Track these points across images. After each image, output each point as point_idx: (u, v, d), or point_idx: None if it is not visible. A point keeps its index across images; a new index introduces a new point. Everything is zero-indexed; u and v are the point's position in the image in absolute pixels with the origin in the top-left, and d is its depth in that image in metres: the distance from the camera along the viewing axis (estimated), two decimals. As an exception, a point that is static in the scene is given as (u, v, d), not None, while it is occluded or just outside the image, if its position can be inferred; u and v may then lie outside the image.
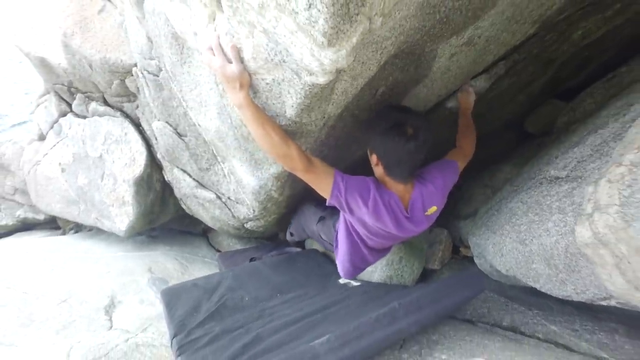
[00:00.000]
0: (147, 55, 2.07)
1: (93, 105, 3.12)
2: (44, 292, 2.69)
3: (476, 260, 2.22)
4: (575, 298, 1.60)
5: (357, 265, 2.13)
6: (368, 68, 1.12)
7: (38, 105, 3.64)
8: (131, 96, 2.86)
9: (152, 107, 2.45)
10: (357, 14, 0.78)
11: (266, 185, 1.83)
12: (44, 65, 2.98)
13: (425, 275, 2.91)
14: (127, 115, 3.01)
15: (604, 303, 1.54)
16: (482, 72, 1.86)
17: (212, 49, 1.16)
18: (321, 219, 2.28)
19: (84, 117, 3.26)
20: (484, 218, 2.05)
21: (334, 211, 2.13)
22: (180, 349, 2.03)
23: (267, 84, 1.13)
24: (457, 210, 3.06)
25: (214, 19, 1.15)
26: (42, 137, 3.69)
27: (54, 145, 3.52)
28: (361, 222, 1.62)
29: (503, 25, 1.48)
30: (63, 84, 3.17)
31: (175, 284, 2.60)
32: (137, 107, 2.88)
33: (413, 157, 1.43)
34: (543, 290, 1.70)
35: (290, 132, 1.30)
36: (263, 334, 2.01)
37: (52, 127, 3.55)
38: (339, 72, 0.93)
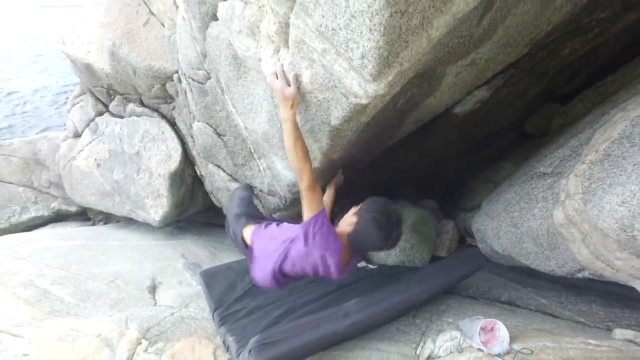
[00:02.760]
0: (195, 66, 2.51)
1: (131, 106, 3.58)
2: (93, 274, 3.16)
3: (479, 245, 2.67)
4: (558, 272, 2.05)
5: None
6: (394, 89, 1.56)
7: (74, 105, 4.09)
8: (168, 98, 3.32)
9: (193, 109, 2.89)
10: (394, 62, 1.22)
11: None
12: (87, 70, 3.43)
13: (434, 262, 3.37)
14: (163, 116, 3.47)
15: (579, 275, 1.99)
16: (483, 84, 2.31)
17: (275, 74, 1.61)
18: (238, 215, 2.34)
19: (121, 117, 3.72)
20: (485, 207, 2.51)
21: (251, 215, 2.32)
22: (222, 320, 2.48)
23: (319, 100, 1.58)
24: (463, 203, 3.51)
25: (278, 52, 1.60)
26: (77, 135, 4.14)
27: (90, 142, 3.98)
28: (298, 254, 1.73)
29: (499, 49, 1.93)
30: (102, 87, 3.63)
31: (212, 267, 3.08)
32: (174, 108, 3.34)
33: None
34: (533, 266, 2.16)
35: (331, 136, 1.76)
36: (294, 307, 2.47)
37: (87, 125, 4.00)
38: (377, 96, 1.37)
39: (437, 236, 3.46)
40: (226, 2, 1.72)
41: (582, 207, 1.57)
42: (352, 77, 1.32)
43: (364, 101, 1.39)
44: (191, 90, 2.75)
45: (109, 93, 3.64)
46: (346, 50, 1.25)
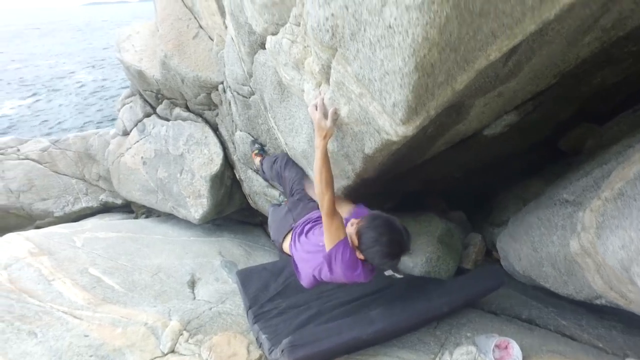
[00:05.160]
0: (241, 82, 2.79)
1: (177, 110, 3.92)
2: (139, 267, 3.52)
3: (502, 263, 2.83)
4: (576, 297, 2.20)
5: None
6: (423, 127, 1.77)
7: (124, 105, 4.49)
8: (212, 105, 3.63)
9: (236, 119, 3.19)
10: (421, 111, 1.43)
11: (335, 192, 2.53)
12: (139, 76, 3.79)
13: (459, 274, 3.54)
14: (207, 121, 3.79)
15: (597, 302, 2.13)
16: (513, 109, 2.46)
17: (315, 106, 1.85)
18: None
19: (167, 120, 4.08)
20: (510, 227, 2.66)
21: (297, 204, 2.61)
22: (256, 318, 2.75)
23: (354, 132, 1.81)
24: (492, 218, 3.65)
25: (320, 86, 1.84)
26: (125, 133, 4.55)
27: (137, 141, 4.37)
28: (327, 276, 1.99)
29: (527, 82, 2.08)
30: (152, 91, 3.99)
31: (247, 267, 3.38)
32: (217, 115, 3.65)
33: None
34: (552, 289, 2.31)
35: (364, 161, 1.98)
36: (323, 310, 2.72)
37: (136, 125, 4.39)
38: (406, 136, 1.59)
39: (463, 248, 3.62)
40: (274, 37, 1.97)
41: (595, 240, 1.72)
42: (385, 119, 1.54)
43: (395, 139, 1.60)
44: (235, 103, 3.04)
45: (157, 97, 4.00)
46: (380, 98, 1.47)
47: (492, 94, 2.02)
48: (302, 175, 2.66)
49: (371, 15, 1.22)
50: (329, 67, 1.65)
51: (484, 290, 2.55)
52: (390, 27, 1.17)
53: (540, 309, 2.73)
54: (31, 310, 2.67)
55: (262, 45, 2.21)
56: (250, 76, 2.59)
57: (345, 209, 2.30)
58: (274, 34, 1.97)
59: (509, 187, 3.65)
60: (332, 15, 1.40)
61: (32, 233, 3.81)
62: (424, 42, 1.13)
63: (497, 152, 3.11)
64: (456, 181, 3.75)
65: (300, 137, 2.30)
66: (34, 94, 14.05)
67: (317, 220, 2.29)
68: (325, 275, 1.95)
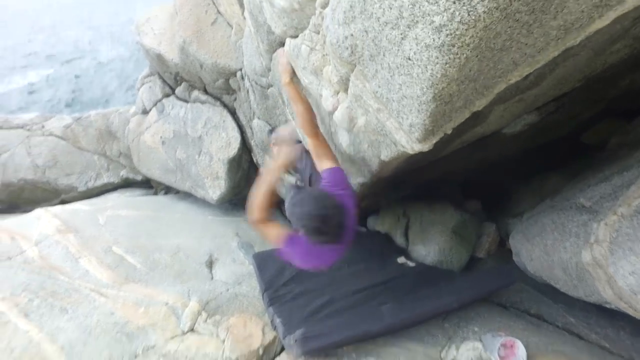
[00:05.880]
0: (259, 74, 2.81)
1: (195, 93, 3.96)
2: (159, 246, 3.68)
3: (514, 258, 2.88)
4: (585, 299, 2.24)
5: None
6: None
7: (143, 84, 4.55)
8: (230, 91, 3.66)
9: (253, 107, 3.22)
10: (438, 131, 1.45)
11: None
12: (159, 59, 3.82)
13: (472, 262, 3.60)
14: (225, 105, 3.83)
15: (606, 305, 2.18)
16: (533, 110, 2.43)
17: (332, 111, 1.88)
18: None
19: (186, 102, 4.13)
20: (524, 225, 2.70)
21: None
22: (271, 301, 2.88)
23: (371, 140, 1.84)
24: (508, 209, 3.66)
25: (338, 94, 1.85)
26: (145, 112, 4.63)
27: (156, 121, 4.45)
28: None
29: (550, 87, 2.05)
30: (170, 73, 4.03)
31: (264, 251, 3.51)
32: (235, 99, 3.68)
33: None
34: (562, 291, 2.36)
35: (380, 165, 2.02)
36: (335, 297, 2.84)
37: (155, 105, 4.46)
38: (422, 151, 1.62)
39: (477, 238, 3.67)
40: (293, 40, 1.97)
41: (607, 255, 1.76)
42: (401, 135, 1.57)
43: (410, 152, 1.64)
44: (254, 92, 3.06)
45: (176, 79, 4.04)
46: (397, 117, 1.49)
47: (512, 101, 2.01)
48: None
49: (391, 44, 1.23)
50: (348, 80, 1.67)
51: (495, 288, 2.62)
52: (409, 59, 1.18)
53: (550, 305, 2.80)
54: (61, 287, 2.84)
55: (282, 44, 2.21)
56: (269, 70, 2.60)
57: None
58: (294, 37, 1.98)
59: (527, 179, 3.64)
60: (352, 35, 1.41)
61: (58, 209, 4.00)
62: (443, 77, 1.14)
63: (516, 147, 3.09)
64: (473, 171, 3.75)
65: (317, 135, 2.34)
66: (61, 63, 14.29)
67: None
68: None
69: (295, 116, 2.01)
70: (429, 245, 3.44)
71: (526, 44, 1.18)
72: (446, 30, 0.99)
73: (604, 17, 1.21)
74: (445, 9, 0.96)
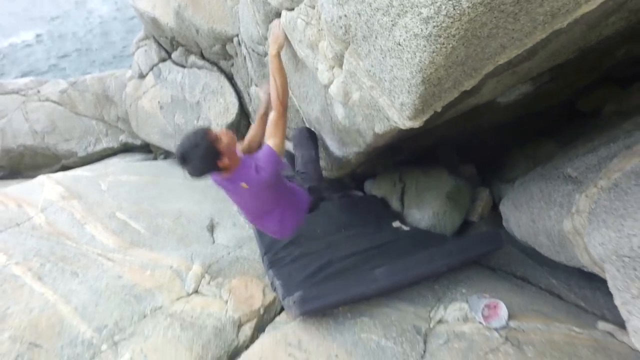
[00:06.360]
0: (256, 41, 2.81)
1: (192, 58, 3.95)
2: (161, 211, 3.80)
3: (504, 224, 3.01)
4: (567, 264, 2.39)
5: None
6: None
7: (138, 48, 4.50)
8: (227, 56, 3.65)
9: (251, 74, 3.24)
10: (428, 110, 1.52)
11: (347, 156, 2.67)
12: (153, 23, 3.78)
13: (465, 226, 3.75)
14: (222, 70, 3.83)
15: (584, 269, 2.33)
16: (528, 80, 2.47)
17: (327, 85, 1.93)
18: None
19: (183, 66, 4.12)
20: (514, 192, 2.80)
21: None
22: (271, 264, 3.03)
23: (365, 114, 1.91)
24: (501, 174, 3.76)
25: (333, 68, 1.90)
26: (141, 76, 4.62)
27: (154, 86, 4.45)
28: None
29: (543, 60, 2.09)
30: (166, 37, 3.99)
31: (263, 215, 3.62)
32: (232, 65, 3.68)
33: None
34: (545, 255, 2.51)
35: (375, 137, 2.10)
36: (332, 260, 2.98)
37: (151, 69, 4.45)
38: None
39: (471, 202, 3.79)
40: (289, 13, 1.99)
41: (586, 224, 1.87)
42: (393, 112, 1.63)
43: (402, 127, 1.71)
44: (251, 59, 3.07)
45: (172, 44, 4.01)
46: (389, 95, 1.55)
47: (506, 74, 2.05)
48: (310, 159, 2.78)
49: (382, 28, 1.27)
50: (342, 57, 1.71)
51: (483, 252, 2.77)
52: (399, 44, 1.23)
53: (535, 267, 2.96)
54: (70, 252, 2.98)
55: (278, 15, 2.22)
56: (266, 39, 2.61)
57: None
58: (290, 9, 1.99)
59: (521, 145, 3.72)
60: (346, 16, 1.44)
61: (60, 176, 4.09)
62: (430, 64, 1.20)
63: (511, 114, 3.14)
64: (469, 135, 3.81)
65: (314, 105, 2.39)
66: (52, 19, 14.00)
67: None
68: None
69: (272, 88, 2.14)
70: (424, 209, 3.57)
71: (513, 29, 1.23)
72: (433, 22, 1.04)
73: (590, 2, 1.25)
74: (432, 2, 1.01)
